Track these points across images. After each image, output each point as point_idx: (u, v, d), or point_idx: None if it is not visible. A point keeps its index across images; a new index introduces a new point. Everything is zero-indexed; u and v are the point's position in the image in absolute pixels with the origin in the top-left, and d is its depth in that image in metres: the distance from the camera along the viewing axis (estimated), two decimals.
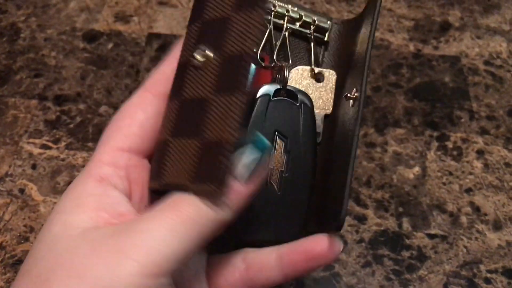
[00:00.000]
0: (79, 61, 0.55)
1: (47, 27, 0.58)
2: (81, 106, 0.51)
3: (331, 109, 0.32)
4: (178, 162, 0.24)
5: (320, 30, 0.34)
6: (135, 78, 0.54)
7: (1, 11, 0.60)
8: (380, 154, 0.48)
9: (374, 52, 0.56)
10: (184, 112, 0.26)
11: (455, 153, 0.49)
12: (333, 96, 0.32)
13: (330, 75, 0.32)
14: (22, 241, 0.42)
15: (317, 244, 0.25)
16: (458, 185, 0.47)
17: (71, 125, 0.50)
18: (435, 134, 0.50)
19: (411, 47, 0.57)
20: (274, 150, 0.29)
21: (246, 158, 0.23)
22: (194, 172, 0.23)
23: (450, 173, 0.47)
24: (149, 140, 0.26)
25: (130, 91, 0.52)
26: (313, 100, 0.30)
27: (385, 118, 0.51)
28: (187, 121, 0.25)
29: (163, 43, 0.57)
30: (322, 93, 0.32)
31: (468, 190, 0.46)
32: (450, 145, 0.49)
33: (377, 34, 0.58)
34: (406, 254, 0.42)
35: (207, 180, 0.23)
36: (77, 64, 0.55)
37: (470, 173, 0.47)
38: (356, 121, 0.26)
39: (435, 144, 0.49)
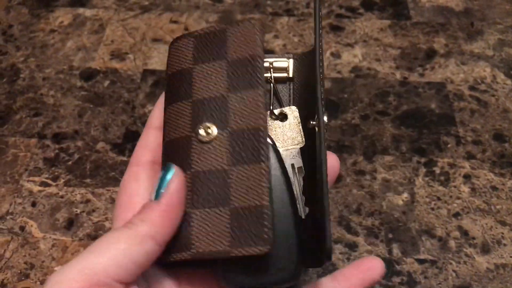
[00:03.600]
0: (77, 99, 0.57)
1: (45, 66, 0.60)
2: (79, 143, 0.53)
3: (303, 141, 0.33)
4: (207, 231, 0.27)
5: (282, 69, 0.35)
6: (131, 114, 0.55)
7: (1, 53, 0.62)
8: (370, 182, 0.50)
9: (361, 81, 0.58)
10: (199, 184, 0.27)
11: (442, 178, 0.50)
12: (301, 129, 0.33)
13: (292, 111, 0.33)
14: (23, 278, 0.44)
15: (373, 267, 0.28)
16: (446, 209, 0.48)
17: (70, 162, 0.51)
18: (423, 160, 0.51)
19: (398, 75, 0.59)
20: None
21: (157, 181, 0.27)
22: (231, 237, 0.26)
23: (438, 198, 0.49)
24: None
25: (126, 127, 0.54)
26: (282, 139, 0.32)
27: (374, 146, 0.52)
28: (207, 192, 0.27)
29: (158, 79, 0.59)
30: (288, 130, 0.33)
31: (456, 215, 0.47)
32: (437, 170, 0.51)
33: (364, 63, 0.60)
34: (396, 280, 0.44)
35: (251, 242, 0.26)
36: (75, 102, 0.57)
37: (458, 198, 0.49)
38: (321, 146, 0.27)
39: (422, 170, 0.51)
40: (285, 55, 0.34)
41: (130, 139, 0.53)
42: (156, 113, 0.32)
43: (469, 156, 0.52)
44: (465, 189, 0.49)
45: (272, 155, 0.29)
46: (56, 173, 0.51)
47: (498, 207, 0.48)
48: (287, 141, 0.32)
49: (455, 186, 0.49)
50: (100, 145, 0.53)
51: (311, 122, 0.30)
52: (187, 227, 0.27)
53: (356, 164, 0.51)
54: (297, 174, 0.31)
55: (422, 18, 0.65)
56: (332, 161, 0.32)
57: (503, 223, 0.47)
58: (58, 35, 0.64)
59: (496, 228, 0.47)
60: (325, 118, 0.28)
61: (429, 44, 0.62)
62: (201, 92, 0.29)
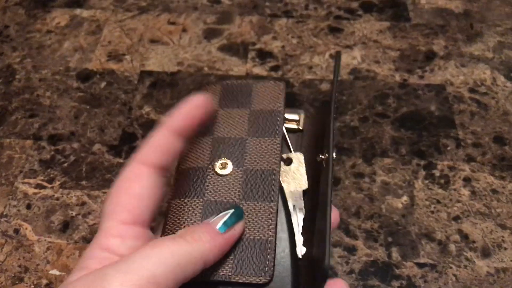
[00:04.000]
0: (73, 100, 0.56)
1: (41, 67, 0.60)
2: (75, 145, 0.52)
3: (306, 185, 0.34)
4: None
5: (294, 121, 0.38)
6: (128, 116, 0.55)
7: None
8: (369, 184, 0.49)
9: (360, 83, 0.58)
10: (210, 211, 0.30)
11: (442, 181, 0.49)
12: (305, 174, 0.35)
13: (298, 157, 0.36)
14: (17, 282, 0.43)
15: None
16: (446, 213, 0.47)
17: (65, 164, 0.51)
18: (422, 162, 0.51)
19: (397, 77, 0.58)
20: None
21: (223, 214, 0.28)
22: (234, 265, 0.28)
23: (438, 201, 0.48)
24: (149, 211, 0.28)
25: (123, 128, 0.54)
26: (287, 181, 0.34)
27: (373, 148, 0.52)
28: None
29: (155, 81, 0.58)
30: (294, 174, 0.35)
31: (456, 218, 0.47)
32: (437, 173, 0.50)
33: (364, 65, 0.60)
34: (396, 284, 0.43)
35: (252, 272, 0.28)
36: (71, 104, 0.56)
37: (458, 201, 0.48)
38: (328, 180, 0.29)
39: (422, 173, 0.50)
40: (297, 110, 0.38)
41: (127, 141, 0.53)
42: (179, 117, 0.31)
43: (469, 159, 0.51)
44: (465, 192, 0.49)
45: (279, 196, 0.32)
46: (51, 175, 0.50)
47: (498, 210, 0.47)
48: (291, 184, 0.34)
49: (455, 189, 0.49)
50: (96, 147, 0.52)
51: (320, 156, 0.33)
52: None
53: (355, 166, 0.50)
54: (298, 215, 0.33)
55: (421, 20, 0.65)
56: (334, 214, 0.33)
57: (503, 227, 0.46)
58: (54, 36, 0.63)
59: (497, 231, 0.46)
60: (334, 154, 0.30)
61: (429, 46, 0.62)
62: (222, 131, 0.33)
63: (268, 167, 0.31)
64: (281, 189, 0.32)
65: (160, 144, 0.29)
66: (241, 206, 0.30)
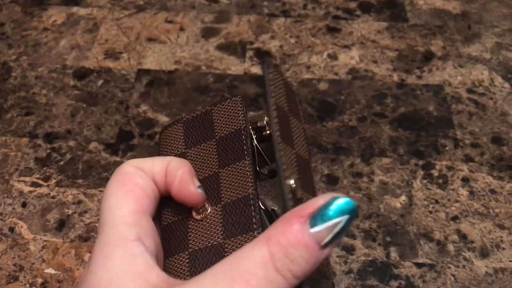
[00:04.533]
0: (69, 98, 0.56)
1: (38, 65, 0.59)
2: (71, 143, 0.52)
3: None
4: None
5: (262, 128, 0.34)
6: (124, 114, 0.54)
7: None
8: (367, 184, 0.49)
9: (358, 83, 0.58)
10: (198, 261, 0.28)
11: (440, 181, 0.49)
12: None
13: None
14: (12, 281, 0.42)
15: None
16: (445, 213, 0.47)
17: (61, 162, 0.50)
18: (421, 162, 0.51)
19: (395, 77, 0.58)
20: None
21: (330, 220, 0.20)
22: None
23: (436, 201, 0.48)
24: (152, 202, 0.27)
25: (120, 126, 0.53)
26: (276, 196, 0.31)
27: (371, 148, 0.52)
28: (205, 268, 0.27)
29: (152, 79, 0.58)
30: (279, 186, 0.31)
31: (455, 218, 0.47)
32: (435, 173, 0.50)
33: (362, 65, 0.60)
34: (394, 284, 0.43)
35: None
36: (68, 102, 0.56)
37: (456, 201, 0.48)
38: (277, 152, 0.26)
39: (420, 172, 0.50)
40: (261, 114, 0.34)
41: (124, 139, 0.52)
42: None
43: (467, 159, 0.51)
44: (464, 192, 0.49)
45: (264, 219, 0.29)
46: (47, 173, 0.49)
47: (496, 210, 0.47)
48: (279, 197, 0.31)
49: (453, 189, 0.49)
50: (92, 145, 0.52)
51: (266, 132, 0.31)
52: None
53: (353, 166, 0.50)
54: None
55: (419, 21, 0.65)
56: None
57: (501, 227, 0.46)
58: (51, 33, 0.63)
59: (495, 231, 0.46)
60: (290, 181, 0.24)
61: (427, 46, 0.62)
62: (196, 174, 0.30)
63: (244, 193, 0.28)
64: (272, 211, 0.30)
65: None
66: (227, 245, 0.27)
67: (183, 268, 0.28)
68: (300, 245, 0.19)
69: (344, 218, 0.20)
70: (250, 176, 0.29)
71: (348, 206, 0.20)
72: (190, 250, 0.28)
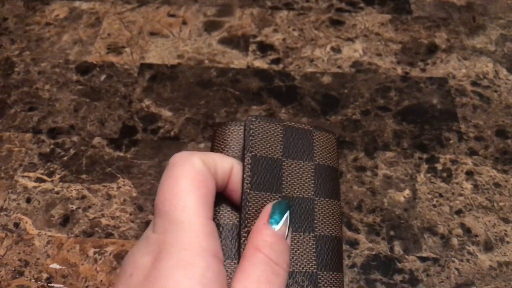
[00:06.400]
0: (73, 93, 0.56)
1: (40, 60, 0.59)
2: (75, 138, 0.52)
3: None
4: None
5: None
6: (128, 109, 0.54)
7: None
8: (371, 178, 0.49)
9: (362, 76, 0.57)
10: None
11: (444, 174, 0.49)
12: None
13: None
14: (17, 276, 0.43)
15: None
16: (449, 206, 0.47)
17: (65, 158, 0.51)
18: (425, 156, 0.51)
19: (399, 70, 0.58)
20: None
21: (284, 218, 0.26)
22: None
23: (440, 195, 0.48)
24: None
25: (123, 121, 0.53)
26: None
27: (375, 142, 0.52)
28: None
29: (155, 73, 0.58)
30: None
31: (459, 212, 0.47)
32: (439, 167, 0.50)
33: (365, 58, 0.59)
34: (398, 278, 0.43)
35: None
36: (71, 97, 0.56)
37: (460, 195, 0.48)
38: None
39: (424, 166, 0.50)
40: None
41: (127, 134, 0.52)
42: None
43: (472, 153, 0.51)
44: (468, 186, 0.48)
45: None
46: (51, 169, 0.50)
47: (501, 204, 0.47)
48: None
49: (457, 183, 0.49)
50: (96, 140, 0.52)
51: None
52: None
53: (356, 160, 0.50)
54: None
55: (423, 13, 0.64)
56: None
57: (506, 221, 0.46)
58: (53, 28, 0.63)
59: (499, 225, 0.46)
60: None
61: (431, 39, 0.61)
62: (290, 190, 0.28)
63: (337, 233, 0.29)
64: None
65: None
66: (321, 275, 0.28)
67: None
68: (278, 241, 0.25)
69: (287, 213, 0.26)
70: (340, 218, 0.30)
71: (284, 204, 0.26)
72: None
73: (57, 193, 0.48)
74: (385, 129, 0.53)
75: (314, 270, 0.27)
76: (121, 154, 0.51)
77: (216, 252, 0.24)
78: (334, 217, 0.29)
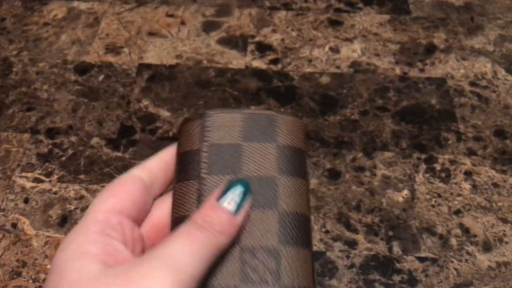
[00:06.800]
0: (71, 93, 0.56)
1: (39, 60, 0.59)
2: (73, 139, 0.52)
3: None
4: None
5: None
6: (126, 109, 0.54)
7: None
8: (369, 178, 0.49)
9: (360, 77, 0.57)
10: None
11: (443, 175, 0.49)
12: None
13: None
14: (15, 276, 0.42)
15: None
16: (447, 207, 0.47)
17: (63, 158, 0.50)
18: (423, 156, 0.50)
19: (398, 70, 0.58)
20: None
21: (232, 194, 0.27)
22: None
23: (439, 195, 0.48)
24: (138, 209, 0.28)
25: (121, 121, 0.53)
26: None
27: (373, 142, 0.52)
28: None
29: (154, 74, 0.58)
30: None
31: (457, 212, 0.47)
32: (438, 167, 0.50)
33: (364, 58, 0.59)
34: (397, 278, 0.43)
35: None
36: (69, 97, 0.56)
37: (459, 195, 0.48)
38: None
39: (423, 166, 0.50)
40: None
41: (125, 134, 0.52)
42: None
43: (470, 153, 0.51)
44: (466, 186, 0.48)
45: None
46: (49, 169, 0.49)
47: (499, 204, 0.47)
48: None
49: (456, 183, 0.49)
50: (94, 141, 0.52)
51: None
52: None
53: (355, 160, 0.50)
54: None
55: (421, 13, 0.64)
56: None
57: (504, 221, 0.46)
58: (52, 28, 0.63)
59: (498, 225, 0.46)
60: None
61: (429, 39, 0.61)
62: (252, 171, 0.30)
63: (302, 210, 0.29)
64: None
65: (165, 161, 0.29)
66: (282, 251, 0.28)
67: (192, 194, 0.28)
68: (213, 213, 0.26)
69: (239, 189, 0.27)
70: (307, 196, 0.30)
71: (239, 182, 0.27)
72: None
73: (55, 193, 0.48)
74: (384, 129, 0.53)
75: (276, 246, 0.27)
76: (119, 154, 0.50)
77: (103, 230, 0.25)
78: (300, 195, 0.29)
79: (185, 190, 0.29)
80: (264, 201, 0.29)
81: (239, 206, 0.27)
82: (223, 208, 0.26)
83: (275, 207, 0.29)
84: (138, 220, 0.28)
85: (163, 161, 0.29)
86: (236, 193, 0.27)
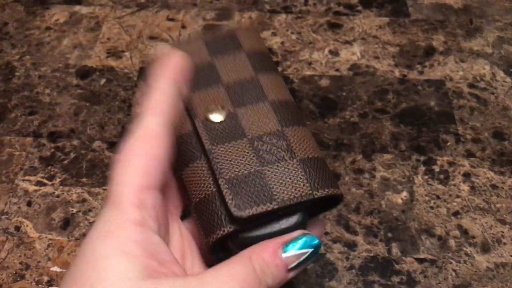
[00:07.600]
0: (73, 97, 0.56)
1: (41, 64, 0.60)
2: (75, 142, 0.52)
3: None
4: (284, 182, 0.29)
5: None
6: (127, 113, 0.55)
7: None
8: (369, 180, 0.49)
9: (360, 79, 0.58)
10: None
11: (442, 176, 0.50)
12: None
13: None
14: (18, 279, 0.43)
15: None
16: (446, 208, 0.47)
17: (66, 161, 0.51)
18: (422, 158, 0.51)
19: (397, 73, 0.58)
20: None
21: (301, 252, 0.25)
22: (309, 183, 0.28)
23: (438, 197, 0.48)
24: (163, 174, 0.26)
25: (122, 125, 0.54)
26: None
27: (372, 144, 0.52)
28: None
29: None
30: None
31: (456, 213, 0.47)
32: (437, 169, 0.50)
33: (363, 61, 0.60)
34: (396, 279, 0.43)
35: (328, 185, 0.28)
36: (71, 101, 0.56)
37: (457, 196, 0.48)
38: None
39: (422, 168, 0.50)
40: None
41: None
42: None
43: (469, 154, 0.51)
44: (465, 187, 0.49)
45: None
46: (52, 172, 0.50)
47: (498, 205, 0.48)
48: None
49: (454, 185, 0.49)
50: (96, 144, 0.52)
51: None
52: (263, 182, 0.27)
53: (354, 162, 0.51)
54: None
55: (421, 15, 0.65)
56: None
57: (503, 222, 0.46)
58: (54, 32, 0.63)
59: (496, 227, 0.46)
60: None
61: (428, 41, 0.62)
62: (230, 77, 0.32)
63: (287, 97, 0.32)
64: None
65: (167, 92, 0.26)
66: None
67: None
68: (273, 264, 0.24)
69: (309, 250, 0.25)
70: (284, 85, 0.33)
71: (313, 242, 0.26)
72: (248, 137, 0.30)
73: (58, 196, 0.48)
74: (383, 131, 0.53)
75: (279, 128, 0.29)
76: None
77: (142, 222, 0.24)
78: (280, 86, 0.32)
79: (195, 171, 0.29)
80: (253, 97, 0.31)
81: (298, 265, 0.25)
82: (285, 262, 0.25)
83: (265, 99, 0.31)
84: (162, 182, 0.26)
85: (167, 94, 0.26)
86: (305, 252, 0.25)
